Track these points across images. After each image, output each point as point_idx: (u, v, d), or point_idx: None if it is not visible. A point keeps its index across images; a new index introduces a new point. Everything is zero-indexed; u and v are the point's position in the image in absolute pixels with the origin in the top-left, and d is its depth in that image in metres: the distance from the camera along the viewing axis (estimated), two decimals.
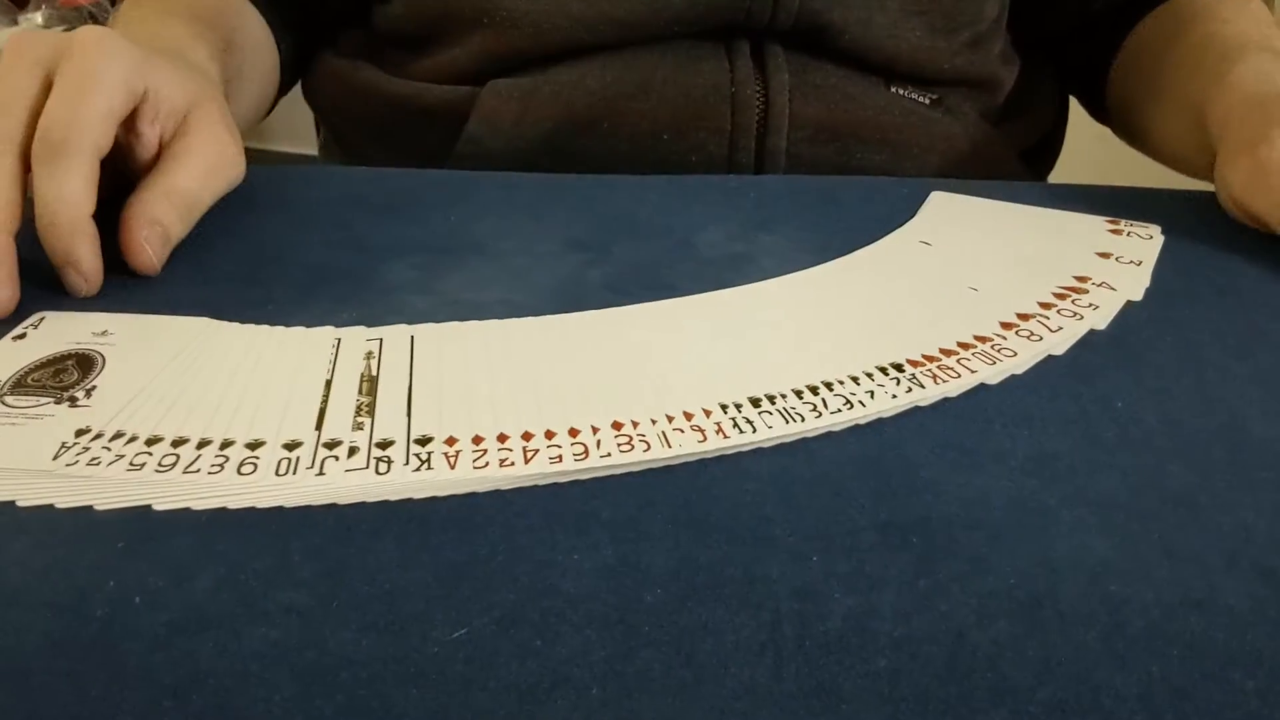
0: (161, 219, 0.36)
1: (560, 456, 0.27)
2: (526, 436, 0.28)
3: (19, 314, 0.35)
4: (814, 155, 0.52)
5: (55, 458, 0.27)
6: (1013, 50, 0.60)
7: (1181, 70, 0.51)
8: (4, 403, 0.30)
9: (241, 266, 0.38)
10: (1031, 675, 0.23)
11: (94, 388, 0.30)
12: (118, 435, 0.28)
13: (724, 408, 0.29)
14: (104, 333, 0.33)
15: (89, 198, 0.35)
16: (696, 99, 0.50)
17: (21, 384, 0.30)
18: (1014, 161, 0.59)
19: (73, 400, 0.30)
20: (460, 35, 0.52)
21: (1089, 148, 0.77)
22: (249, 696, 0.22)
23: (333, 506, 0.26)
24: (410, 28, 0.54)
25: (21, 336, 0.33)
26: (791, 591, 0.24)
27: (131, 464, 0.27)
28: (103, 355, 0.32)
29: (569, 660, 0.23)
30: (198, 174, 0.38)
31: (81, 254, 0.35)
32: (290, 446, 0.28)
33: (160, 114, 0.38)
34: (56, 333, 0.33)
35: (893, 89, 0.53)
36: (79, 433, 0.28)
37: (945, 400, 0.31)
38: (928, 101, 0.54)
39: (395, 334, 0.33)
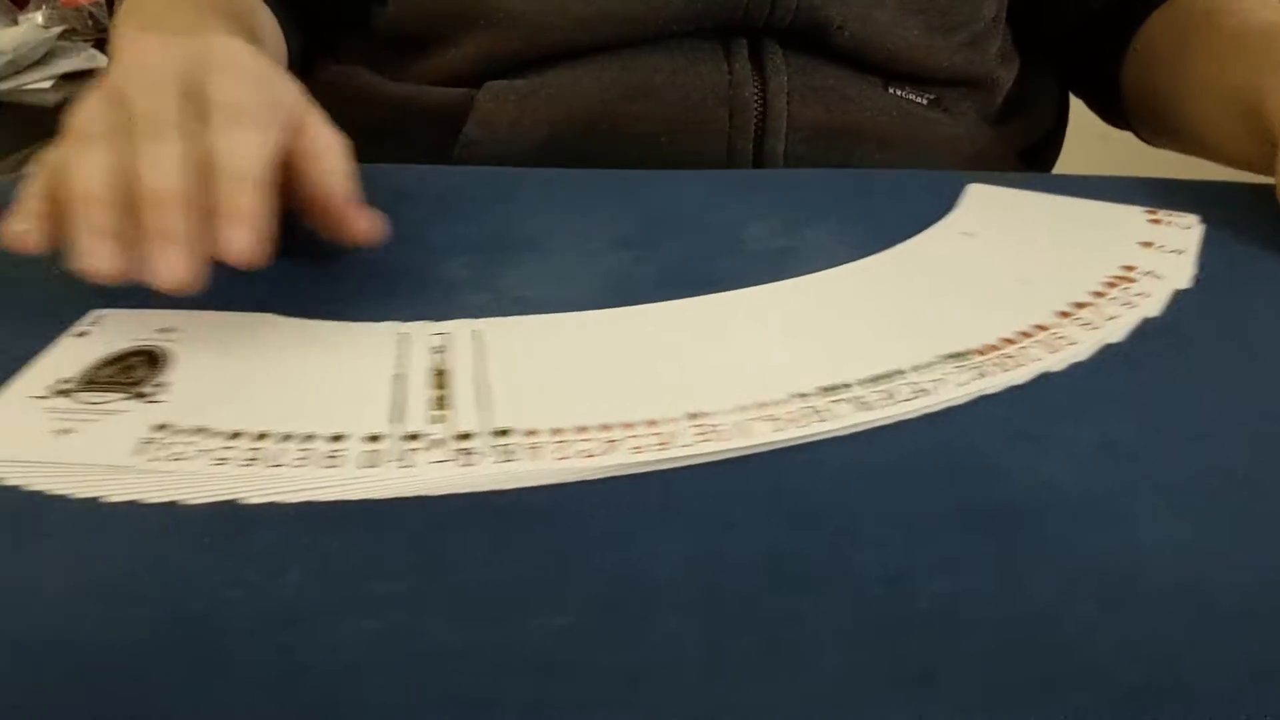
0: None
1: (641, 447, 0.28)
2: (605, 428, 0.28)
3: (72, 313, 0.35)
4: (812, 157, 0.52)
5: (137, 452, 0.27)
6: (1012, 49, 0.60)
7: (1217, 60, 0.51)
8: (76, 399, 0.30)
9: (298, 265, 0.38)
10: (1119, 656, 0.23)
11: (166, 383, 0.30)
12: (199, 430, 0.28)
13: (797, 397, 0.30)
14: (168, 329, 0.33)
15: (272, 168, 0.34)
16: (694, 102, 0.50)
17: (93, 381, 0.31)
18: (1013, 161, 0.59)
19: (142, 395, 0.30)
20: (457, 36, 0.52)
21: (1089, 147, 0.77)
22: (352, 688, 0.22)
23: (417, 498, 0.27)
24: (407, 29, 0.54)
25: (83, 334, 0.33)
26: (879, 577, 0.24)
27: (216, 458, 0.27)
28: (170, 351, 0.32)
29: (666, 646, 0.23)
30: (346, 165, 0.38)
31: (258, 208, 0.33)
32: (372, 440, 0.28)
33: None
34: (117, 330, 0.34)
35: (891, 90, 0.53)
36: (158, 428, 0.28)
37: (1012, 388, 0.31)
38: (925, 102, 0.54)
39: (460, 329, 0.33)
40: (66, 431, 0.28)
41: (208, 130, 0.33)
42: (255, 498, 0.26)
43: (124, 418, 0.29)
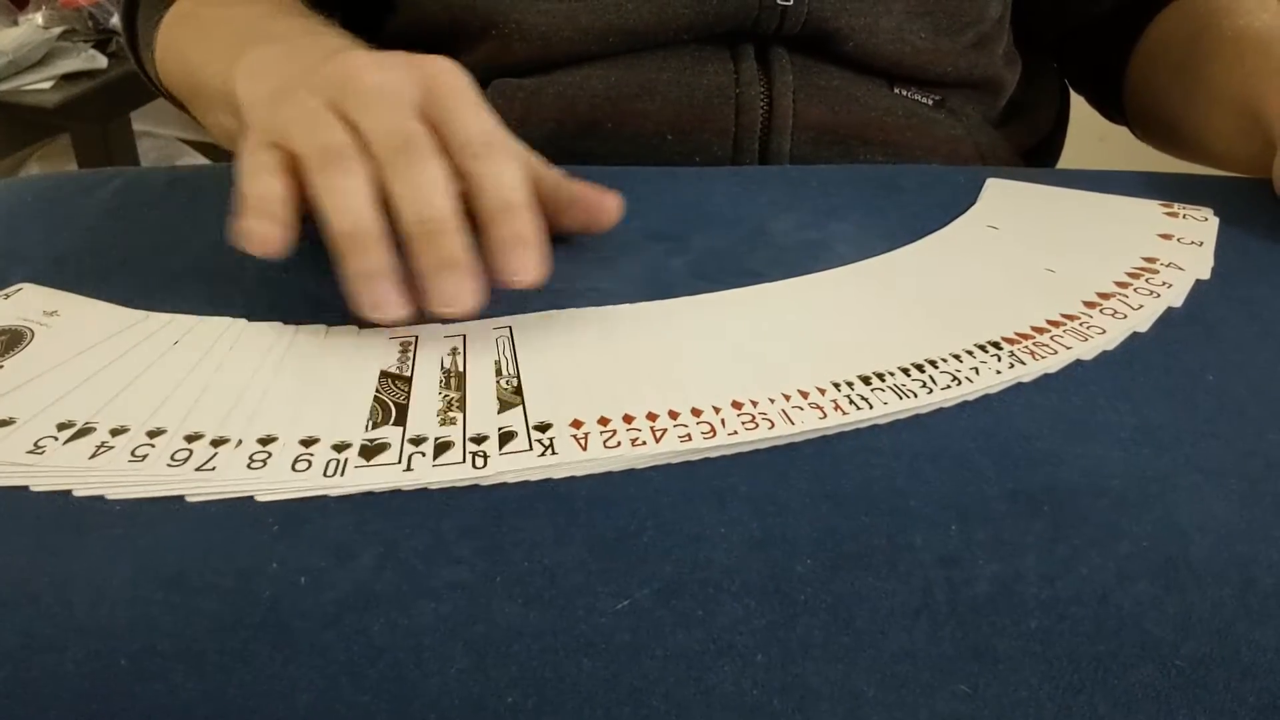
0: None
1: (689, 435, 0.28)
2: (651, 417, 0.29)
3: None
4: (817, 157, 0.52)
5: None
6: (1015, 51, 0.61)
7: (1218, 65, 0.52)
8: None
9: (315, 261, 0.38)
10: (1174, 631, 0.23)
11: None
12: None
13: (837, 386, 0.30)
14: (52, 313, 0.33)
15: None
16: (700, 100, 0.51)
17: None
18: (1016, 163, 0.59)
19: None
20: (467, 45, 0.52)
21: (1088, 148, 0.78)
22: (424, 670, 0.22)
23: (475, 487, 0.27)
24: (416, 37, 0.54)
25: None
26: (937, 559, 0.25)
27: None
28: (34, 335, 0.32)
29: (731, 628, 0.23)
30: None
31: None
32: (372, 446, 0.28)
33: None
34: (17, 305, 0.34)
35: (896, 90, 0.54)
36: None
37: (1045, 376, 0.32)
38: (930, 103, 0.54)
39: (482, 328, 0.33)
40: None
41: (465, 158, 0.33)
42: (199, 496, 0.27)
43: None
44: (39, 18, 1.51)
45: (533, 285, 0.32)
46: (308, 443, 0.28)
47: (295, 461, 0.27)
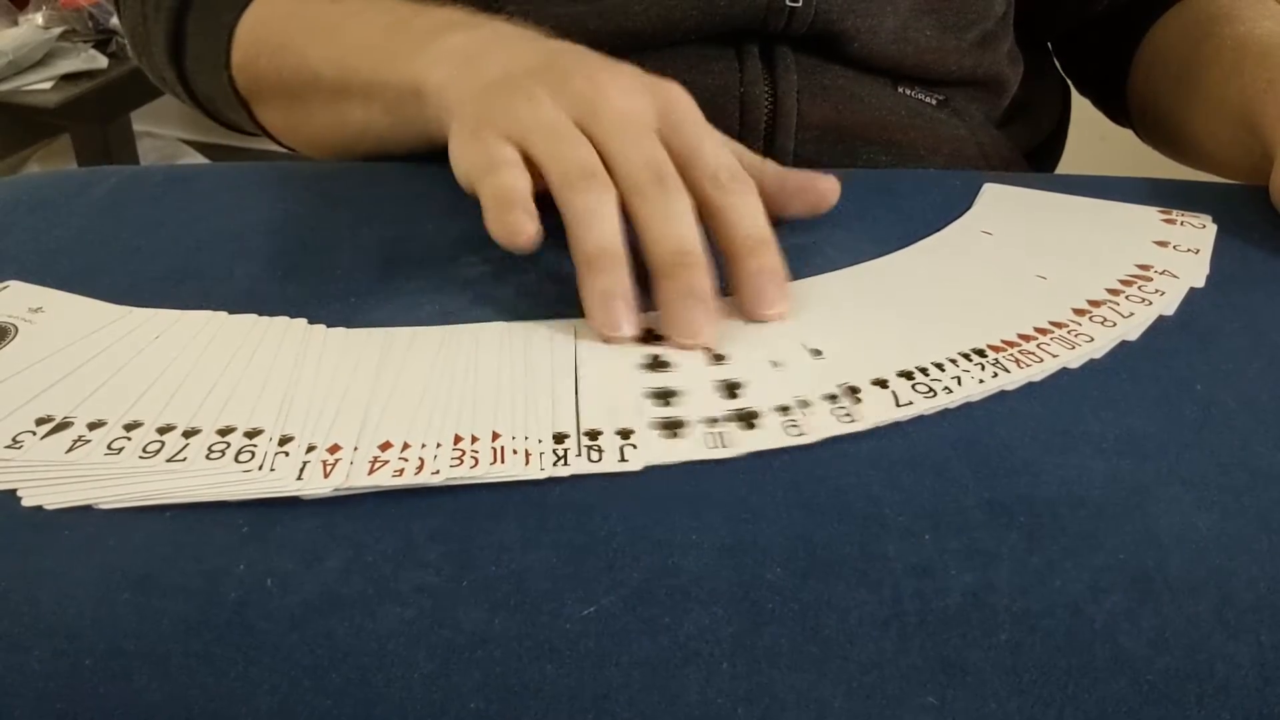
0: None
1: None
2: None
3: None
4: (821, 156, 0.52)
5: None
6: (1018, 49, 0.60)
7: (1217, 72, 0.51)
8: None
9: (315, 259, 0.38)
10: (1148, 646, 0.23)
11: None
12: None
13: (818, 395, 0.30)
14: (37, 309, 0.34)
15: None
16: (705, 100, 0.50)
17: None
18: (1019, 163, 0.59)
19: None
20: None
21: (1090, 148, 0.77)
22: (388, 675, 0.22)
23: (447, 488, 0.27)
24: None
25: None
26: (908, 568, 0.25)
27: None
28: (17, 331, 0.33)
29: (698, 636, 0.23)
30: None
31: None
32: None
33: None
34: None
35: (900, 89, 0.54)
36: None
37: (1029, 384, 0.31)
38: (934, 102, 0.54)
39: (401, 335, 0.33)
40: None
41: (712, 188, 0.35)
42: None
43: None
44: (39, 18, 1.52)
45: (780, 318, 0.34)
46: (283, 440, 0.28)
47: (276, 457, 0.27)
